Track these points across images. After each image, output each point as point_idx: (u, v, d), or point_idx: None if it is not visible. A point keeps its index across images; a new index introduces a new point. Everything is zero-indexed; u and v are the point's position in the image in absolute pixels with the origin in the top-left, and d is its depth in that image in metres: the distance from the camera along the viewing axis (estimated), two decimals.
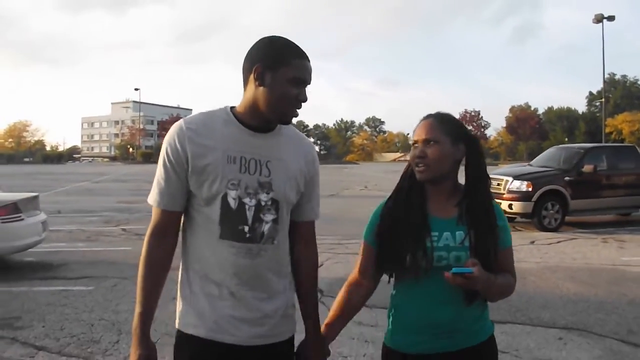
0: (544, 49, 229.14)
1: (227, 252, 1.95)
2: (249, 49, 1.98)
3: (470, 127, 55.80)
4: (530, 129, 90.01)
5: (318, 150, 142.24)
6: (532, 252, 9.98)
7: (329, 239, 10.15)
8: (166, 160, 1.94)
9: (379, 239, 2.18)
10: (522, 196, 12.44)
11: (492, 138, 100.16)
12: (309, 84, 1.97)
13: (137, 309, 1.95)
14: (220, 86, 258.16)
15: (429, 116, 2.20)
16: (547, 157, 14.53)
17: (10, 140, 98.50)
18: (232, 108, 2.02)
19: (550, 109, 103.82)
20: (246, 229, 1.96)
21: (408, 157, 2.22)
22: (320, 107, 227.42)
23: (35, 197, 8.89)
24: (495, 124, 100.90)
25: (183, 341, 2.00)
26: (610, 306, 6.38)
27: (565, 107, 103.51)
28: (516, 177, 12.84)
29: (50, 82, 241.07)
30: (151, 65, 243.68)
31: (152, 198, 1.97)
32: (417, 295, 2.11)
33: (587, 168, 12.75)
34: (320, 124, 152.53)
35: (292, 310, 2.12)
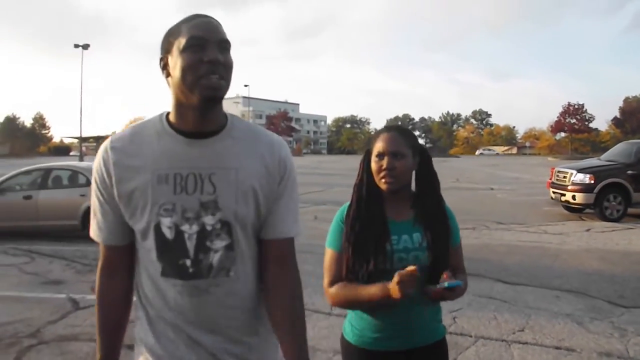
0: None
1: (171, 291, 1.62)
2: None
3: (573, 121, 54.32)
4: (637, 121, 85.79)
5: (423, 142, 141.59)
6: (582, 237, 11.09)
7: None
8: (96, 189, 1.64)
9: (345, 246, 2.19)
10: (585, 188, 13.42)
11: (604, 131, 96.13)
12: (217, 39, 1.56)
13: (97, 355, 1.72)
14: (329, 80, 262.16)
15: (391, 129, 2.26)
16: (617, 152, 15.31)
17: None
18: (168, 114, 1.67)
19: None
20: (188, 262, 1.60)
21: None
22: (427, 100, 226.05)
23: None
24: (608, 116, 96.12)
25: None
26: (620, 279, 7.55)
27: None
28: (580, 170, 13.83)
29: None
30: (261, 62, 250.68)
31: (92, 231, 1.69)
32: None
33: None
34: (426, 117, 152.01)
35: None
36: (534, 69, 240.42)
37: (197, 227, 1.59)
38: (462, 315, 5.77)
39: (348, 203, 2.27)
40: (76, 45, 51.67)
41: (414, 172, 2.26)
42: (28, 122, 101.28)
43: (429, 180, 2.27)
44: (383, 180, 2.19)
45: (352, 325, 2.29)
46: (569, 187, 13.76)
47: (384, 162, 2.17)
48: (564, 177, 14.10)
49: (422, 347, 2.23)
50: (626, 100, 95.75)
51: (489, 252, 9.37)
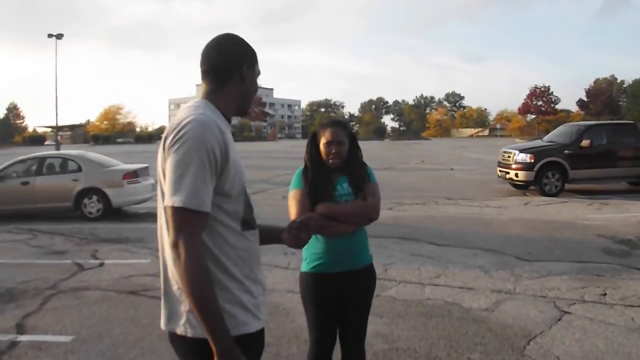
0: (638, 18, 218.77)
1: (250, 241, 1.97)
2: (216, 46, 2.03)
3: (540, 103, 56.50)
4: (601, 104, 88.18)
5: (397, 126, 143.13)
6: (518, 210, 12.55)
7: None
8: (213, 161, 1.80)
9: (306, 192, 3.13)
10: (526, 166, 14.91)
11: (575, 112, 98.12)
12: None
13: (226, 329, 1.77)
14: (304, 65, 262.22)
15: (334, 124, 3.25)
16: (558, 133, 16.90)
17: (105, 122, 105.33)
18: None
19: (636, 81, 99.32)
20: (254, 215, 2.01)
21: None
22: (401, 83, 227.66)
23: (147, 167, 12.80)
24: (580, 97, 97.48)
25: (243, 344, 1.84)
26: (534, 241, 8.99)
27: None
28: (521, 151, 15.34)
29: (141, 66, 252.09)
30: None
31: (201, 202, 1.76)
32: None
33: (585, 143, 15.01)
34: (400, 100, 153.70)
35: None
36: (508, 51, 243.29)
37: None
38: (393, 268, 7.24)
39: (302, 167, 3.25)
40: (50, 35, 51.68)
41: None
42: (1, 113, 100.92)
43: (355, 152, 3.27)
44: (331, 160, 3.17)
45: (305, 260, 3.22)
46: (513, 166, 15.22)
47: (333, 149, 3.15)
48: (509, 156, 15.56)
49: (355, 270, 3.18)
50: (597, 81, 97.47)
51: (430, 222, 10.84)
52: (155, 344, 4.74)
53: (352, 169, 3.23)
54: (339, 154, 3.16)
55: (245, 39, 2.09)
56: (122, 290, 6.47)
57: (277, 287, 6.44)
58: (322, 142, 3.20)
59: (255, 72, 2.09)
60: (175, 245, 1.75)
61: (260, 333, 1.99)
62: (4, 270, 7.65)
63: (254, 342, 1.94)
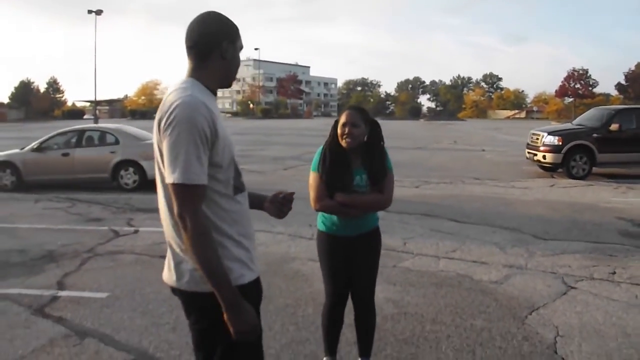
0: None
1: (240, 203, 2.19)
2: (198, 23, 2.15)
3: (577, 86, 55.84)
4: (639, 88, 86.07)
5: (433, 106, 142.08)
6: (543, 191, 12.68)
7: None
8: (204, 138, 1.98)
9: (322, 178, 3.39)
10: (554, 149, 14.96)
11: (614, 96, 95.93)
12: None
13: (230, 285, 2.01)
14: (341, 43, 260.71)
15: (351, 108, 3.45)
16: (588, 117, 16.82)
17: (142, 97, 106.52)
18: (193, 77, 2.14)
19: None
20: (242, 180, 2.22)
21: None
22: (439, 63, 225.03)
23: None
24: (621, 81, 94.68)
25: (241, 292, 2.06)
26: (554, 221, 9.14)
27: None
28: (550, 133, 15.39)
29: (178, 43, 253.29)
30: (272, 24, 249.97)
31: (196, 176, 1.97)
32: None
33: (614, 127, 14.95)
34: (437, 80, 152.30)
35: None
36: (548, 33, 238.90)
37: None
38: (411, 241, 7.55)
39: (322, 146, 3.46)
40: (89, 11, 52.89)
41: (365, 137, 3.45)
42: (42, 87, 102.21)
43: (375, 141, 3.45)
44: (344, 141, 3.35)
45: (322, 221, 3.56)
46: (541, 148, 15.28)
47: (346, 129, 3.34)
48: (537, 138, 15.62)
49: (364, 232, 3.53)
50: (638, 65, 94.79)
51: (454, 200, 11.09)
52: None
53: (372, 161, 3.43)
54: (351, 134, 3.34)
55: (227, 16, 2.19)
56: (155, 255, 6.88)
57: (299, 256, 6.82)
58: (340, 124, 3.41)
59: (237, 48, 2.20)
60: (181, 217, 1.98)
61: (256, 282, 2.23)
62: (45, 234, 8.17)
63: (251, 290, 2.16)
